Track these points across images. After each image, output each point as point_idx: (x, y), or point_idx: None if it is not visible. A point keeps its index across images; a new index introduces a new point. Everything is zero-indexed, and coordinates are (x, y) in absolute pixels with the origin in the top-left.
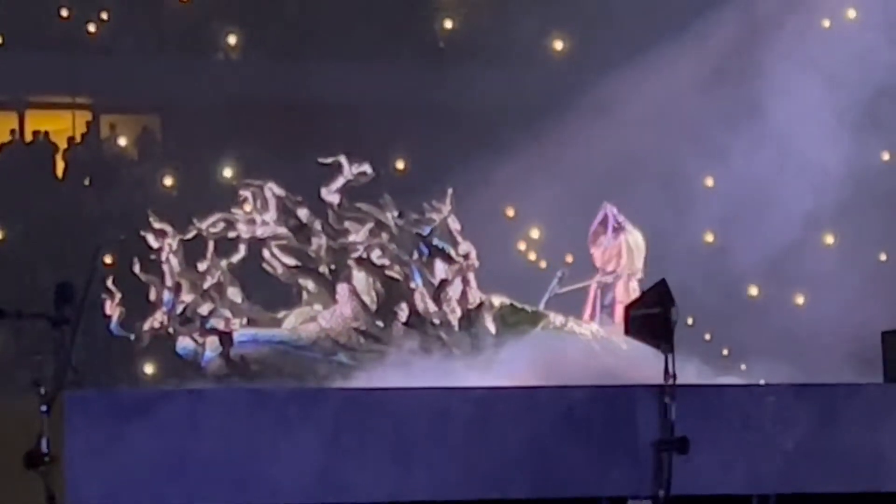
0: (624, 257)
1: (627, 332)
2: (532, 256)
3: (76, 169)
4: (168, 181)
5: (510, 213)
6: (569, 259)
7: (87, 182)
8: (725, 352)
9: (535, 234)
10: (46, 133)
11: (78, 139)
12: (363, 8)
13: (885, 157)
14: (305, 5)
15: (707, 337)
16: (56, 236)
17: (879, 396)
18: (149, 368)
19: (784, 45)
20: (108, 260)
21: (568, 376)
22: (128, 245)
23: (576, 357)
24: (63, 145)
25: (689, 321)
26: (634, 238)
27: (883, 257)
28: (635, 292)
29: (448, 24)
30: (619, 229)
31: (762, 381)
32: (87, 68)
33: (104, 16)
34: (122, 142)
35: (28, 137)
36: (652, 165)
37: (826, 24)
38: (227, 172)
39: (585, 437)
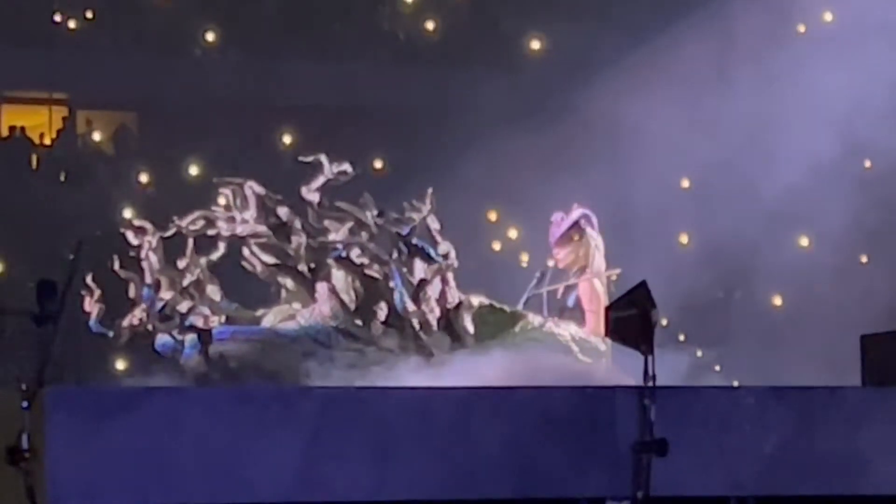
0: (594, 259)
1: (607, 333)
2: (510, 257)
3: (52, 165)
4: (144, 178)
5: (489, 213)
6: (547, 260)
7: (62, 178)
8: (699, 353)
9: (513, 234)
10: (23, 128)
11: (54, 135)
12: (342, 7)
13: (867, 164)
14: (284, 4)
15: (681, 338)
16: (32, 232)
17: (858, 399)
18: (127, 365)
19: (761, 49)
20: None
21: (546, 377)
22: (107, 242)
23: (553, 358)
24: (39, 141)
25: (664, 322)
26: (597, 241)
27: (862, 259)
28: (599, 293)
29: (427, 24)
30: (583, 231)
31: (735, 383)
32: (64, 64)
33: (82, 12)
34: (99, 138)
35: (4, 133)
36: (628, 166)
37: (803, 28)
38: (205, 170)
39: (564, 437)
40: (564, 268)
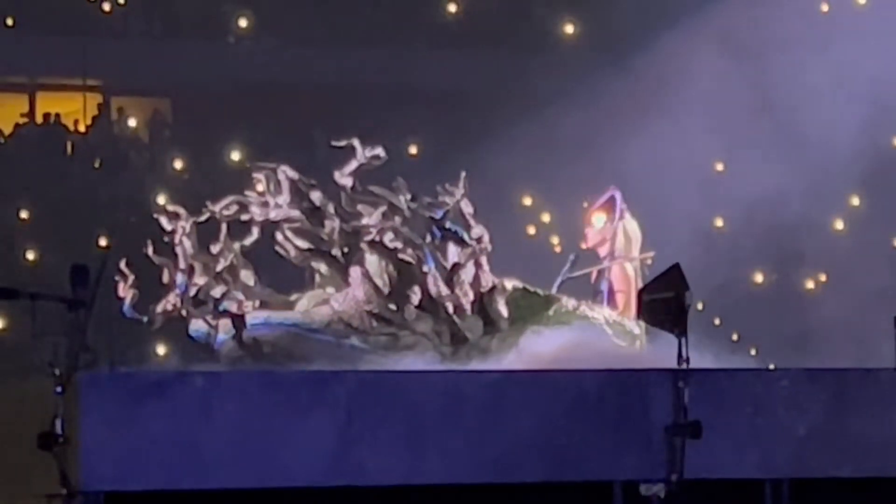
0: (619, 243)
1: (640, 315)
2: (544, 241)
3: (86, 151)
4: (178, 164)
5: (522, 196)
6: (580, 243)
7: (97, 164)
8: (735, 336)
9: (546, 217)
10: (57, 115)
11: (88, 121)
12: None
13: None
14: None
15: (717, 322)
16: (67, 218)
17: (891, 381)
18: (161, 350)
19: (795, 30)
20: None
21: (581, 361)
22: (141, 227)
23: (589, 341)
24: (74, 127)
25: (700, 306)
26: (632, 226)
27: (894, 243)
28: (630, 276)
29: (458, 7)
30: (616, 214)
31: (771, 366)
32: (98, 51)
33: None
34: (133, 124)
35: (39, 119)
36: (662, 150)
37: (826, 7)
38: (238, 155)
39: (598, 421)
40: (592, 247)
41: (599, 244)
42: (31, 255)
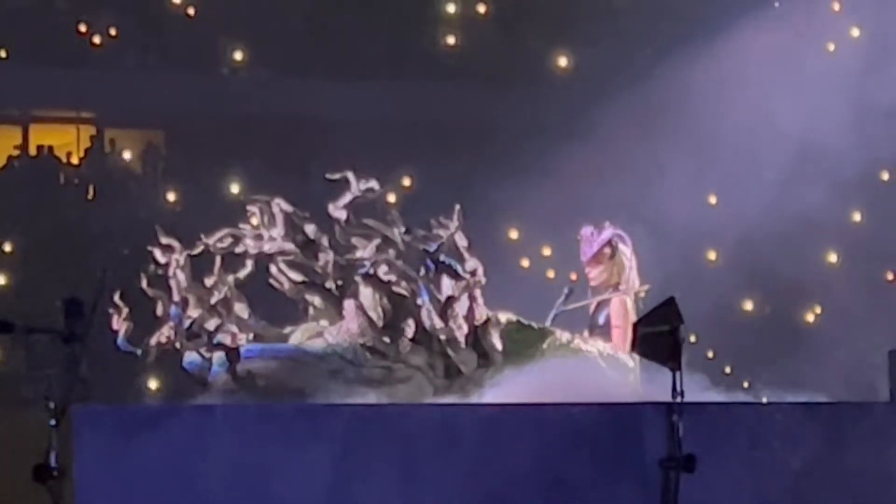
0: (627, 277)
1: (635, 349)
2: (538, 273)
3: (80, 183)
4: (172, 196)
5: (516, 229)
6: (574, 276)
7: (90, 196)
8: (728, 369)
9: (541, 250)
10: (51, 147)
11: (82, 154)
12: (369, 24)
13: (885, 176)
14: (311, 21)
15: (710, 354)
16: (60, 250)
17: (887, 415)
18: (155, 383)
19: (789, 66)
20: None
21: (575, 394)
22: (134, 260)
23: (583, 374)
24: (67, 160)
25: (693, 339)
26: (630, 260)
27: (889, 276)
28: (630, 311)
29: (453, 41)
30: (616, 249)
31: (764, 400)
32: (92, 83)
33: (109, 31)
34: (127, 156)
35: (32, 152)
36: (656, 183)
37: (831, 47)
38: (233, 188)
39: (593, 454)
40: (597, 286)
41: (605, 282)
42: (24, 287)
